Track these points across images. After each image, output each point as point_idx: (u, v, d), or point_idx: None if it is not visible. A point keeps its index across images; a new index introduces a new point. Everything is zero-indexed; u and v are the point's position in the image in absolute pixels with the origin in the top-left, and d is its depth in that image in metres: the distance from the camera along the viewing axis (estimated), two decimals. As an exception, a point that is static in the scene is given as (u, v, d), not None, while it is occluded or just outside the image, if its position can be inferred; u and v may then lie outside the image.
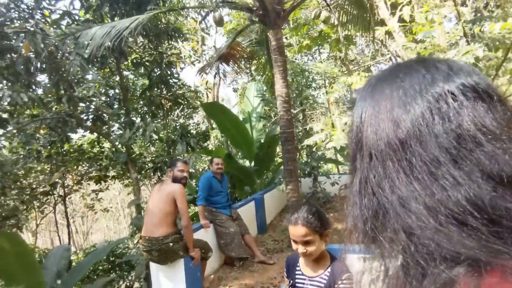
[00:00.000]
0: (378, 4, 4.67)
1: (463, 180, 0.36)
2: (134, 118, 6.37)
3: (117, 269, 8.96)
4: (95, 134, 9.08)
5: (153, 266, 3.21)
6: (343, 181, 7.96)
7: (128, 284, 9.05)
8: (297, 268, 1.60)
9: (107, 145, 10.13)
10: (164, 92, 6.60)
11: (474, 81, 0.42)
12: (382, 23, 4.90)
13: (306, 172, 6.99)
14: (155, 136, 6.85)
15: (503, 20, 2.38)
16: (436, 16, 2.45)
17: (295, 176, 5.11)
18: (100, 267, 8.92)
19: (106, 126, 7.35)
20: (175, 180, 3.22)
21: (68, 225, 10.71)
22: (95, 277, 8.33)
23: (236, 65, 8.16)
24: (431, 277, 0.36)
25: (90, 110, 5.87)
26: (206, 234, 4.12)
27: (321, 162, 8.64)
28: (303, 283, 1.54)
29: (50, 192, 9.23)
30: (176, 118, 12.29)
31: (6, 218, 7.05)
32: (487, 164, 0.36)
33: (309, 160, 7.43)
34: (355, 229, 0.47)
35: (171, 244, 2.95)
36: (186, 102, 8.22)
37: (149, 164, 8.06)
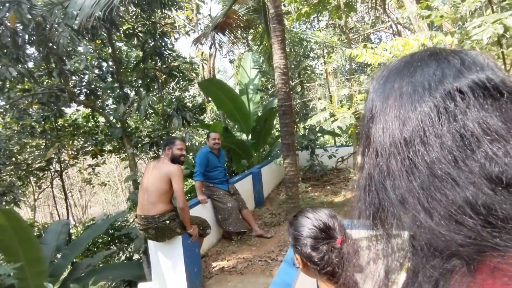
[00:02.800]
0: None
1: (461, 182, 0.37)
2: (128, 92, 6.19)
3: (116, 241, 9.11)
4: (90, 109, 8.95)
5: (150, 243, 3.21)
6: (340, 154, 7.95)
7: (127, 255, 9.24)
8: None
9: (102, 119, 9.99)
10: (159, 64, 6.37)
11: (486, 76, 0.41)
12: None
13: (304, 145, 6.94)
14: (150, 110, 6.72)
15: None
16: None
17: (292, 150, 5.05)
18: (100, 240, 9.05)
19: (100, 100, 7.19)
20: (174, 159, 3.13)
21: (66, 199, 10.75)
22: (95, 249, 8.47)
23: (232, 34, 7.88)
24: (428, 270, 0.38)
25: (83, 84, 5.69)
26: (204, 210, 4.12)
27: (319, 135, 8.56)
28: None
29: (46, 168, 9.18)
30: (171, 91, 12.08)
31: (2, 194, 7.03)
32: (487, 166, 0.36)
33: (306, 133, 7.35)
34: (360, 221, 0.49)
35: (167, 222, 2.92)
36: (181, 75, 8.00)
37: (145, 139, 7.98)
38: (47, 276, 4.79)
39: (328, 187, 6.73)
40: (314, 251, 1.00)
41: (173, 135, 11.86)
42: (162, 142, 6.65)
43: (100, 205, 20.77)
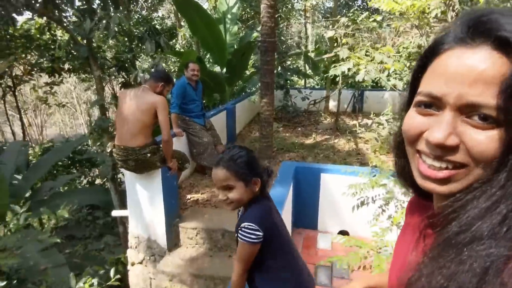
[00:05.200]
0: None
1: None
2: (93, 6, 5.50)
3: (77, 165, 8.92)
4: (45, 19, 7.95)
5: (127, 174, 3.15)
6: (313, 97, 8.00)
7: (89, 180, 9.15)
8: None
9: (59, 32, 9.00)
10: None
11: None
12: None
13: (279, 85, 6.85)
14: (116, 30, 6.10)
15: None
16: None
17: (271, 89, 4.97)
18: (60, 163, 8.77)
19: (59, 12, 6.37)
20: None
21: (21, 118, 10.09)
22: (55, 172, 8.26)
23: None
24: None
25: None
26: (178, 143, 4.05)
27: (294, 75, 8.47)
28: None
29: (-3, 82, 8.36)
30: (138, 10, 10.99)
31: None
32: None
33: (282, 72, 7.22)
34: None
35: (148, 155, 2.83)
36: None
37: (111, 61, 7.39)
38: (8, 197, 4.65)
39: (299, 129, 6.86)
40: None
41: (144, 60, 11.13)
42: (131, 67, 6.23)
43: (57, 126, 19.80)
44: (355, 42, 5.31)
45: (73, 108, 18.22)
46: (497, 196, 0.38)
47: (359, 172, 2.22)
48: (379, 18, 5.59)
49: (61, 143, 10.06)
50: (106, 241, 7.05)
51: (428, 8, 1.50)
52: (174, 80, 4.33)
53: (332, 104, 8.30)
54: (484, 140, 0.40)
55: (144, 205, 3.10)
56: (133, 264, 3.33)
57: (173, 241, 3.15)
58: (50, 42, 8.58)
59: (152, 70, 5.13)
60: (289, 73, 7.07)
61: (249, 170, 1.25)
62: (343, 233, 3.12)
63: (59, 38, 8.90)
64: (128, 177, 3.17)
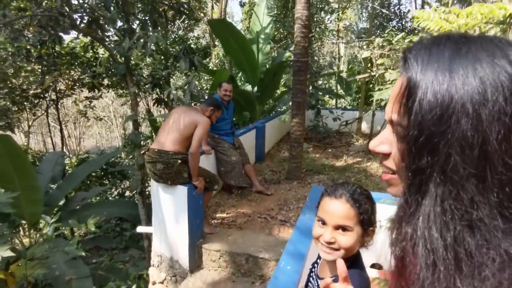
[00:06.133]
0: None
1: None
2: (133, 26, 5.75)
3: (109, 176, 9.18)
4: (89, 38, 8.42)
5: (154, 187, 3.14)
6: (345, 117, 7.80)
7: (119, 192, 9.38)
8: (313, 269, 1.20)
9: (101, 51, 9.49)
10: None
11: None
12: None
13: (311, 105, 6.74)
14: (153, 48, 6.31)
15: None
16: None
17: (302, 109, 4.88)
18: (93, 173, 9.07)
19: (102, 31, 6.72)
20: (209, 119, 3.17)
21: (61, 130, 10.60)
22: (88, 182, 8.52)
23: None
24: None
25: (87, 10, 5.23)
26: (207, 161, 4.02)
27: (326, 95, 8.32)
28: None
29: (42, 95, 8.89)
30: (175, 30, 11.42)
31: (-3, 118, 6.83)
32: None
33: (314, 92, 7.12)
34: None
35: (179, 161, 2.93)
36: (188, 12, 7.46)
37: (147, 78, 7.63)
38: (42, 205, 4.79)
39: (330, 150, 6.67)
40: None
41: (178, 77, 11.47)
42: (165, 83, 6.39)
43: (93, 138, 20.70)
44: (392, 63, 5.14)
45: (109, 121, 19.03)
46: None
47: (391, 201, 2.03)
48: (415, 38, 5.42)
49: (96, 155, 10.45)
50: (131, 254, 7.11)
51: (485, 27, 1.37)
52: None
53: (365, 126, 8.04)
54: None
55: (168, 223, 3.05)
56: (154, 283, 3.27)
57: (196, 263, 3.07)
58: (92, 59, 9.07)
59: (186, 87, 5.21)
60: (320, 93, 6.96)
61: (371, 213, 1.01)
62: (376, 266, 2.89)
63: (101, 55, 9.39)
64: (154, 191, 3.16)
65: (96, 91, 9.88)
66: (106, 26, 6.09)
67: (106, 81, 9.78)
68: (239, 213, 3.90)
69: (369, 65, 7.26)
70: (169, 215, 3.03)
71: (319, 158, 6.14)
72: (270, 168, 5.58)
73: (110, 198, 8.93)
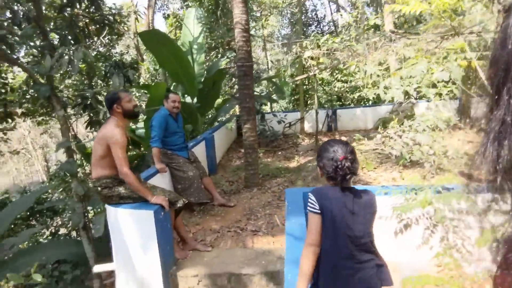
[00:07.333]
0: None
1: None
2: (53, 42, 5.12)
3: (37, 215, 8.12)
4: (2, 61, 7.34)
5: (112, 215, 2.75)
6: (288, 119, 7.94)
7: (52, 230, 8.32)
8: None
9: (10, 75, 8.37)
10: (91, 10, 5.36)
11: None
12: None
13: (256, 110, 6.71)
14: (80, 65, 5.70)
15: None
16: None
17: (253, 114, 4.80)
18: (18, 215, 7.91)
19: (12, 50, 5.89)
20: (127, 114, 2.73)
21: (-31, 171, 9.06)
22: (13, 226, 7.40)
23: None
24: None
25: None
26: (162, 179, 3.70)
27: (265, 100, 8.41)
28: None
29: None
30: (96, 46, 10.60)
31: None
32: None
33: (257, 97, 7.10)
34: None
35: (99, 188, 2.68)
36: (113, 25, 6.93)
37: (74, 99, 6.87)
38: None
39: (280, 153, 6.70)
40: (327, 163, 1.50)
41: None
42: (95, 103, 5.81)
43: (9, 175, 18.18)
44: (331, 62, 5.35)
45: (28, 154, 16.88)
46: None
47: (393, 191, 2.02)
48: (337, 39, 5.74)
49: (20, 194, 9.15)
50: (78, 299, 6.27)
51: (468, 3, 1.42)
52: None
53: (307, 125, 8.28)
54: None
55: (134, 255, 2.68)
56: (125, 328, 2.85)
57: (172, 294, 2.74)
58: (0, 85, 7.94)
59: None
60: (263, 99, 6.97)
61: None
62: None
63: (11, 80, 8.28)
64: (113, 222, 2.76)
65: (10, 120, 8.69)
66: (17, 46, 5.35)
67: (19, 110, 8.64)
68: (206, 230, 3.64)
69: (304, 67, 7.51)
70: (135, 245, 2.66)
71: (272, 162, 6.12)
72: (225, 179, 5.39)
73: (41, 240, 7.86)
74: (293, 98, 11.31)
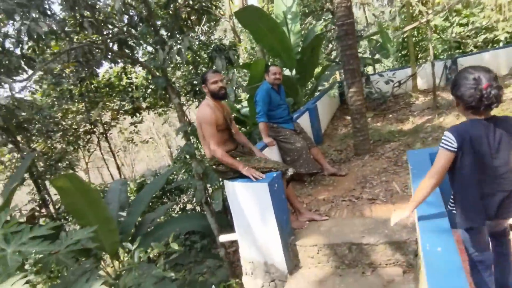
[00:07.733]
0: None
1: None
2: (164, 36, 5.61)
3: (168, 194, 9.31)
4: (120, 65, 8.54)
5: (230, 190, 2.91)
6: (397, 78, 7.16)
7: (181, 207, 9.51)
8: None
9: (133, 75, 9.64)
10: (189, 2, 5.67)
11: None
12: None
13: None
14: (187, 55, 6.15)
15: None
16: None
17: (358, 76, 4.43)
18: (154, 195, 9.24)
19: (132, 51, 6.72)
20: (214, 95, 2.75)
21: (115, 159, 10.95)
22: (150, 204, 8.68)
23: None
24: None
25: (115, 34, 5.18)
26: (270, 153, 3.74)
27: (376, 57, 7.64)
28: None
29: (91, 131, 9.19)
30: (198, 35, 11.33)
31: (58, 161, 7.08)
32: None
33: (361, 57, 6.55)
34: None
35: (214, 166, 2.82)
36: (210, 12, 7.24)
37: (185, 87, 7.53)
38: (118, 234, 4.80)
39: (390, 115, 6.12)
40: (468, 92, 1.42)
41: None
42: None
43: (144, 162, 21.44)
44: (448, 1, 4.52)
45: (155, 142, 19.56)
46: None
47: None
48: None
49: (151, 177, 10.64)
50: (207, 264, 7.05)
51: None
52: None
53: (421, 82, 7.33)
54: None
55: (254, 226, 2.80)
56: (252, 292, 3.04)
57: (293, 263, 2.78)
58: (127, 85, 9.22)
59: (228, 85, 4.97)
60: (366, 59, 6.40)
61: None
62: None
63: (135, 79, 9.53)
64: (231, 196, 2.92)
65: (138, 115, 10.09)
66: (136, 46, 6.05)
67: (144, 104, 9.94)
68: (319, 201, 3.57)
69: (414, 15, 6.57)
70: (253, 217, 2.77)
71: (382, 126, 5.63)
72: (333, 148, 5.19)
73: (173, 214, 9.04)
74: (400, 54, 10.14)
